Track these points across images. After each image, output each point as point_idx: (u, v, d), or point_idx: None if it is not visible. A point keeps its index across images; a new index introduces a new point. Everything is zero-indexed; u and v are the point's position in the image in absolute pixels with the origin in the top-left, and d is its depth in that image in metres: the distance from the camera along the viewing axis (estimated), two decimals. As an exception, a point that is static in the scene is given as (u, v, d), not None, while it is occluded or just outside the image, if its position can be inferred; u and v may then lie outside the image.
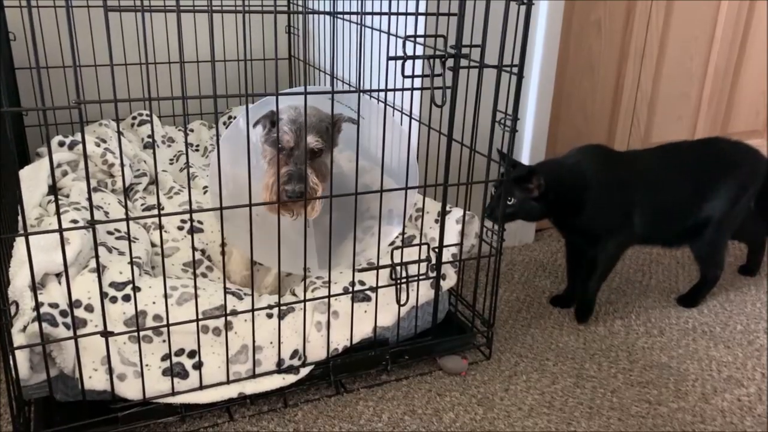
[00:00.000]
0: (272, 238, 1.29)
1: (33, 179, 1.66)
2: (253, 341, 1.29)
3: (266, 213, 1.37)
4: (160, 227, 1.18)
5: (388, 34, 1.28)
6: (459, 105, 1.34)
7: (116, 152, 1.86)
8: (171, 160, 2.21)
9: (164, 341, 1.26)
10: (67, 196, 1.64)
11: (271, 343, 1.32)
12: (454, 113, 1.29)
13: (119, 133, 1.19)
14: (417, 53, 1.21)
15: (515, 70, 1.32)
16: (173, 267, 1.56)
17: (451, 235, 1.48)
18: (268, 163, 1.43)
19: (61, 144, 1.78)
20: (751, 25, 2.44)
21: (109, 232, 1.53)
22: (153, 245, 1.66)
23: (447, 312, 1.60)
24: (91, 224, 1.09)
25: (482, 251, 1.50)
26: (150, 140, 2.18)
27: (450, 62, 1.24)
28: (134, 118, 2.29)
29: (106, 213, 1.65)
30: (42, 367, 1.18)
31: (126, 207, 1.11)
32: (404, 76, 1.21)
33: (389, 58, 1.18)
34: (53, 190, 1.05)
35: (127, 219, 1.11)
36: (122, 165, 1.13)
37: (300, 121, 1.35)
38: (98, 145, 1.85)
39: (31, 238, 1.26)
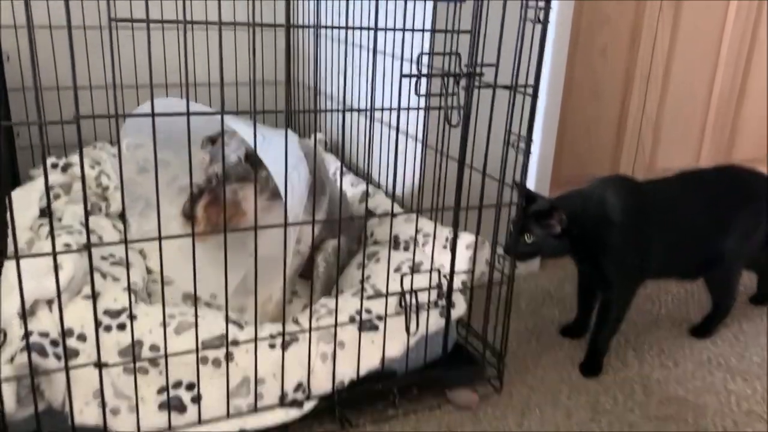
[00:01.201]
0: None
1: (24, 201, 1.60)
2: (255, 373, 1.22)
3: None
4: (160, 250, 1.11)
5: (402, 49, 1.24)
6: (470, 127, 1.29)
7: (111, 175, 1.79)
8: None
9: (161, 373, 1.19)
10: (60, 220, 1.57)
11: (274, 375, 1.25)
12: (467, 134, 1.24)
13: (119, 153, 1.13)
14: (429, 72, 1.16)
15: (530, 90, 1.28)
16: (172, 297, 1.49)
17: (461, 261, 1.42)
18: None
19: (54, 166, 1.72)
20: (754, 50, 2.43)
21: (104, 257, 1.46)
22: (149, 272, 1.59)
23: (455, 343, 1.54)
24: (87, 247, 1.02)
25: (493, 279, 1.44)
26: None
27: (463, 81, 1.19)
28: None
29: (100, 237, 1.58)
30: (30, 401, 1.10)
31: (125, 231, 1.05)
32: (418, 95, 1.16)
33: (402, 76, 1.13)
34: (48, 211, 0.99)
35: (126, 242, 1.05)
36: (122, 184, 1.06)
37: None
38: (93, 167, 1.79)
39: (21, 262, 1.20)
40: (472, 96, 1.21)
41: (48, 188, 0.95)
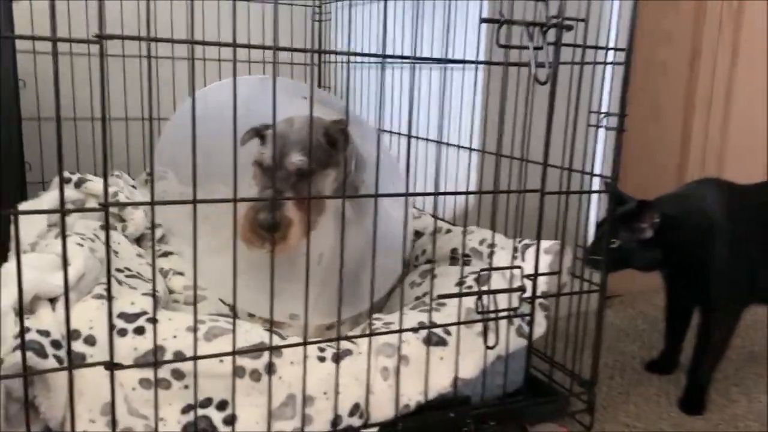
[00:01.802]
0: (258, 280, 1.05)
1: (31, 216, 1.40)
2: (303, 389, 0.98)
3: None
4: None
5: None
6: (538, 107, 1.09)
7: (129, 193, 1.61)
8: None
9: (186, 387, 0.95)
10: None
11: (325, 393, 1.00)
12: (553, 101, 1.05)
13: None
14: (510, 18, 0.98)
15: (620, 56, 1.11)
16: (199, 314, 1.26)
17: (541, 268, 1.20)
18: (257, 186, 1.20)
19: (67, 181, 1.53)
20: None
21: (119, 270, 1.25)
22: (170, 291, 1.38)
23: (527, 370, 1.28)
24: (104, 206, 0.82)
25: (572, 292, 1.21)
26: (164, 196, 1.93)
27: (551, 35, 1.02)
28: (149, 174, 2.05)
29: (116, 252, 1.37)
30: (21, 420, 0.86)
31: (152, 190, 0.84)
32: (500, 46, 0.98)
33: (482, 20, 0.96)
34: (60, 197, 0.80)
35: (153, 203, 0.85)
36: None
37: (286, 134, 1.15)
38: (109, 186, 1.60)
39: (24, 256, 0.99)
40: (560, 52, 1.03)
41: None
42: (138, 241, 1.57)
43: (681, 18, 1.96)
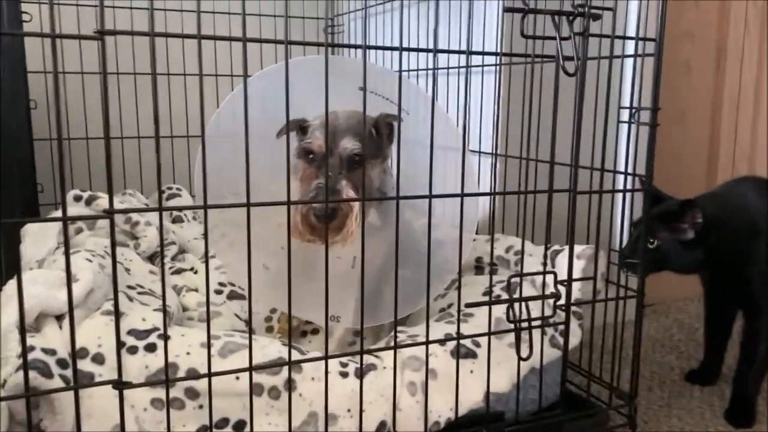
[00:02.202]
0: (302, 278, 0.99)
1: (41, 234, 1.36)
2: (326, 407, 0.91)
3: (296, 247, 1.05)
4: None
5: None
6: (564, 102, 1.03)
7: (144, 214, 1.56)
8: (203, 235, 1.90)
9: (201, 407, 0.89)
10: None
11: (349, 411, 0.94)
12: (582, 95, 0.99)
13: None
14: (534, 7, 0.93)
15: (649, 47, 1.05)
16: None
17: (575, 273, 1.13)
18: (300, 180, 1.14)
19: (77, 198, 1.49)
20: None
21: (130, 287, 1.20)
22: (184, 309, 1.32)
23: (563, 383, 1.21)
24: (109, 213, 0.76)
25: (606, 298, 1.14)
26: (179, 214, 1.89)
27: (577, 25, 0.96)
28: (162, 192, 2.01)
29: (127, 270, 1.32)
30: (25, 446, 0.81)
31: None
32: (524, 36, 0.92)
33: (505, 10, 0.90)
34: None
35: (160, 210, 0.80)
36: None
37: (335, 124, 1.10)
38: (122, 203, 1.56)
39: (31, 272, 0.95)
40: (587, 43, 0.97)
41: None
42: (151, 258, 1.53)
43: (703, 16, 1.89)
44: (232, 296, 1.37)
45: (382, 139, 1.17)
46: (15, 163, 1.54)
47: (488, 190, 1.27)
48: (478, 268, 1.38)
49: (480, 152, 1.55)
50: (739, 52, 1.96)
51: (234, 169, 0.94)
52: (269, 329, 1.37)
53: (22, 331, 0.75)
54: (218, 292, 1.38)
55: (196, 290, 1.37)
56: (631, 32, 1.08)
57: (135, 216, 1.53)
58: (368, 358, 1.01)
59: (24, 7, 1.72)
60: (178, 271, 1.47)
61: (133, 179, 2.02)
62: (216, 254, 1.30)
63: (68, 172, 1.97)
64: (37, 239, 1.35)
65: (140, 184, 2.01)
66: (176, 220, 1.88)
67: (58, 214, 1.44)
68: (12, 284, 0.92)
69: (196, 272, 1.48)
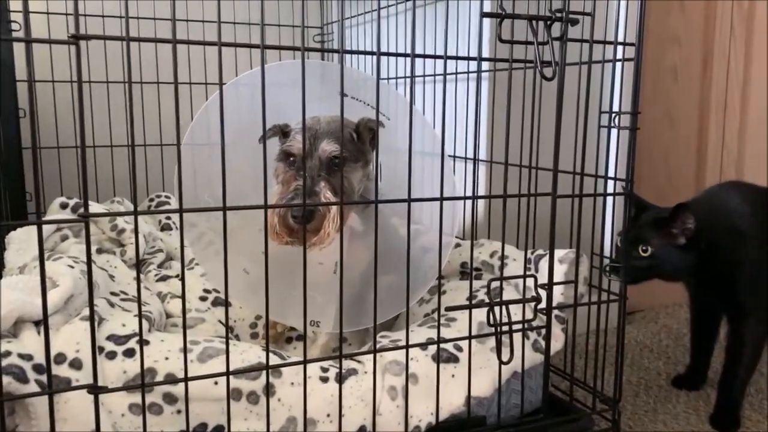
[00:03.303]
0: (284, 284, 0.99)
1: (25, 242, 1.36)
2: (305, 412, 0.91)
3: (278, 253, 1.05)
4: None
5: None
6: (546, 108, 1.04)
7: (129, 219, 1.56)
8: (192, 242, 1.90)
9: (179, 412, 0.89)
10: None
11: (329, 416, 0.94)
12: (561, 101, 0.99)
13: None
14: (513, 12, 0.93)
15: (629, 51, 1.06)
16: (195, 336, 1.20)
17: (556, 277, 1.13)
18: (281, 183, 1.15)
19: (64, 206, 1.49)
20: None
21: (114, 293, 1.20)
22: (168, 316, 1.32)
23: (546, 387, 1.21)
24: (84, 217, 0.77)
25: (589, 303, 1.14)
26: (168, 222, 1.89)
27: (555, 30, 0.97)
28: (151, 200, 2.01)
29: (112, 276, 1.32)
30: (0, 452, 0.80)
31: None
32: (501, 41, 0.93)
33: (483, 15, 0.91)
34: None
35: (135, 213, 0.80)
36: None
37: (316, 128, 1.11)
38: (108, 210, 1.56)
39: (7, 277, 0.95)
40: (566, 48, 0.98)
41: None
42: (139, 264, 1.52)
43: (689, 19, 1.91)
44: (217, 303, 1.37)
45: (364, 143, 1.18)
46: (3, 172, 1.54)
47: (474, 194, 1.27)
48: (464, 273, 1.39)
49: (458, 157, 1.55)
50: (726, 56, 1.98)
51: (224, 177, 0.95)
52: (254, 336, 1.37)
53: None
54: (203, 299, 1.38)
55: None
56: (613, 37, 1.08)
57: (121, 223, 1.53)
58: (350, 363, 1.01)
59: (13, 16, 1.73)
60: (164, 278, 1.46)
61: (123, 187, 2.03)
62: (202, 262, 1.31)
63: (58, 180, 1.97)
64: (21, 246, 1.35)
65: (131, 192, 2.00)
66: (164, 228, 1.88)
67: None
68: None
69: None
